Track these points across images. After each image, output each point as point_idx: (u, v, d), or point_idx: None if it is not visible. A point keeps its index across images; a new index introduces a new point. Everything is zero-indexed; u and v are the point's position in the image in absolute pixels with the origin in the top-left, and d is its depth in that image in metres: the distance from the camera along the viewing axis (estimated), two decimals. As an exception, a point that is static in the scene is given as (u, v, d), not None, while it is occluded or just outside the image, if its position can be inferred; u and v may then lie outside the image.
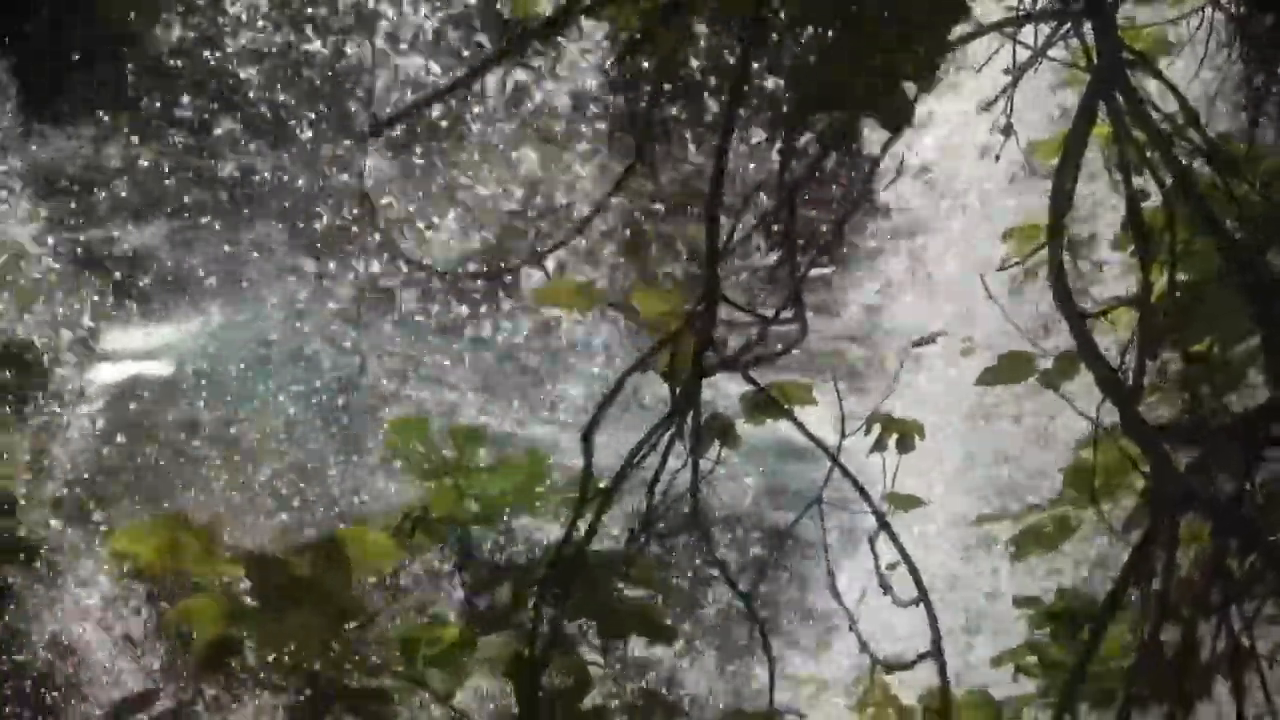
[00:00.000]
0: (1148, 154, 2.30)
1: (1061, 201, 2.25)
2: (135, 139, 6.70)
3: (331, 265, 6.80)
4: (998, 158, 3.09)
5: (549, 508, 2.56)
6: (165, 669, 5.88)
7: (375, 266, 6.72)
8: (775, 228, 2.34)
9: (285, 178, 6.74)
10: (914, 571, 2.20)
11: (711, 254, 2.17)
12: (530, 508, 2.58)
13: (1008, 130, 2.87)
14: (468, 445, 2.51)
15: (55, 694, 5.77)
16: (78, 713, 5.75)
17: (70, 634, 5.92)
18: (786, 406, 2.54)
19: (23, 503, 5.95)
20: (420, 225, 6.71)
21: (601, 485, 2.31)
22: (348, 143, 6.55)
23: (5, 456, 6.00)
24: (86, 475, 6.30)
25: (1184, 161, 2.39)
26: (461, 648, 2.40)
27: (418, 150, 6.67)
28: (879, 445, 2.73)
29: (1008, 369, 2.85)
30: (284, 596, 2.21)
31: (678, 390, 2.34)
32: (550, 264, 2.66)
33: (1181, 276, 2.40)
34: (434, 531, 2.52)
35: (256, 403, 6.73)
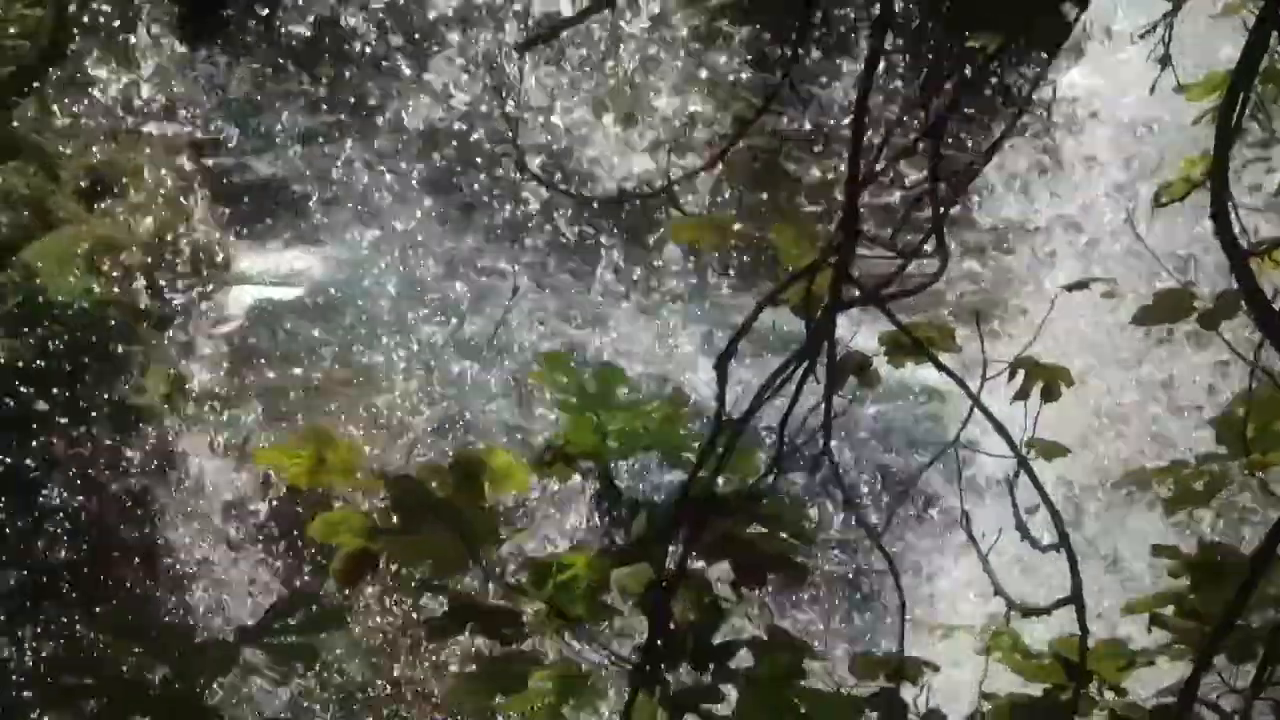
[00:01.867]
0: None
1: (1227, 135, 2.14)
2: (275, 65, 6.82)
3: (469, 192, 6.87)
4: (1152, 89, 2.96)
5: (687, 448, 2.56)
6: (291, 574, 6.12)
7: (514, 194, 6.76)
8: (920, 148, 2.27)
9: (424, 104, 6.80)
10: (1055, 516, 2.15)
11: (852, 182, 2.12)
12: (668, 448, 2.59)
13: (1165, 60, 2.75)
14: (610, 382, 2.53)
15: (190, 598, 6.05)
16: (213, 617, 6.02)
17: (204, 544, 6.19)
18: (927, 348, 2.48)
19: (166, 421, 6.21)
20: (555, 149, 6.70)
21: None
22: (490, 64, 6.56)
23: (150, 376, 6.25)
24: (221, 394, 6.53)
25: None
26: (594, 577, 2.43)
27: (555, 72, 6.64)
28: (1022, 392, 2.66)
29: (1165, 308, 2.74)
30: (420, 514, 2.26)
31: (812, 325, 2.30)
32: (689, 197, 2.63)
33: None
34: (572, 464, 2.55)
35: (382, 328, 6.88)
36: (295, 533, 6.18)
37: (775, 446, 2.45)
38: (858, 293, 2.18)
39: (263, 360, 6.70)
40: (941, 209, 2.25)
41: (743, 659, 2.53)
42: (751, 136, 5.92)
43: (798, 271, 2.21)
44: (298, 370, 6.72)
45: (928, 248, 2.32)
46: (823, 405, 2.37)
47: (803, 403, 2.33)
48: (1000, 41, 2.19)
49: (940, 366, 2.35)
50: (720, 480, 2.41)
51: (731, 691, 2.51)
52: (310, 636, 2.29)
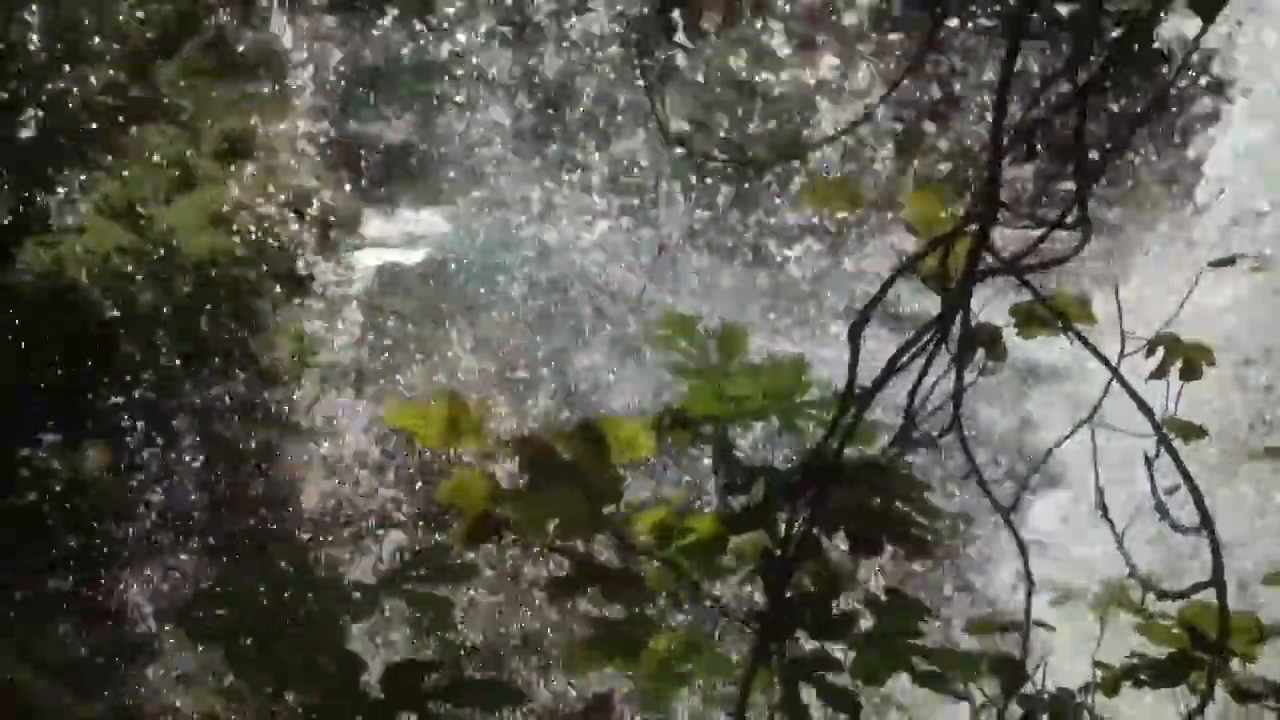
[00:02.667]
0: None
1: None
2: (404, 28, 6.91)
3: (602, 155, 6.88)
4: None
5: (806, 416, 2.54)
6: (422, 529, 6.26)
7: (642, 159, 6.75)
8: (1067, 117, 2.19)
9: (557, 66, 6.82)
10: (1197, 495, 2.08)
11: (995, 150, 2.07)
12: (786, 415, 2.57)
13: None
14: (731, 347, 2.51)
15: (317, 544, 6.23)
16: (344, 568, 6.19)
17: (333, 497, 6.37)
18: (1063, 322, 2.42)
19: (295, 378, 6.40)
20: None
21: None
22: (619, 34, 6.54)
23: (279, 334, 6.44)
24: (348, 355, 6.69)
25: None
26: (714, 542, 2.43)
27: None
28: (1161, 371, 2.58)
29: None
30: (547, 476, 2.28)
31: (946, 294, 2.25)
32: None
33: None
34: (691, 428, 2.55)
35: (507, 289, 6.96)
36: (419, 487, 6.33)
37: (902, 418, 2.41)
38: (996, 264, 2.12)
39: (389, 321, 6.84)
40: (1086, 176, 2.17)
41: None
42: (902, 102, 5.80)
43: (935, 240, 2.16)
44: (424, 331, 6.85)
45: (1069, 219, 2.25)
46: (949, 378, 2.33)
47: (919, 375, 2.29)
48: (1152, 3, 2.11)
49: (1081, 340, 2.28)
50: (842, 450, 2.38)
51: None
52: (445, 588, 2.34)
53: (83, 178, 6.15)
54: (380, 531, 6.29)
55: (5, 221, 6.11)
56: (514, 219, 7.09)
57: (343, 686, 2.15)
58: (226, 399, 6.26)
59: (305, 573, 2.35)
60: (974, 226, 2.11)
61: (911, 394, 2.36)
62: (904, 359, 2.19)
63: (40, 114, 6.07)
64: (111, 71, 6.12)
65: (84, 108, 6.12)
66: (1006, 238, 2.33)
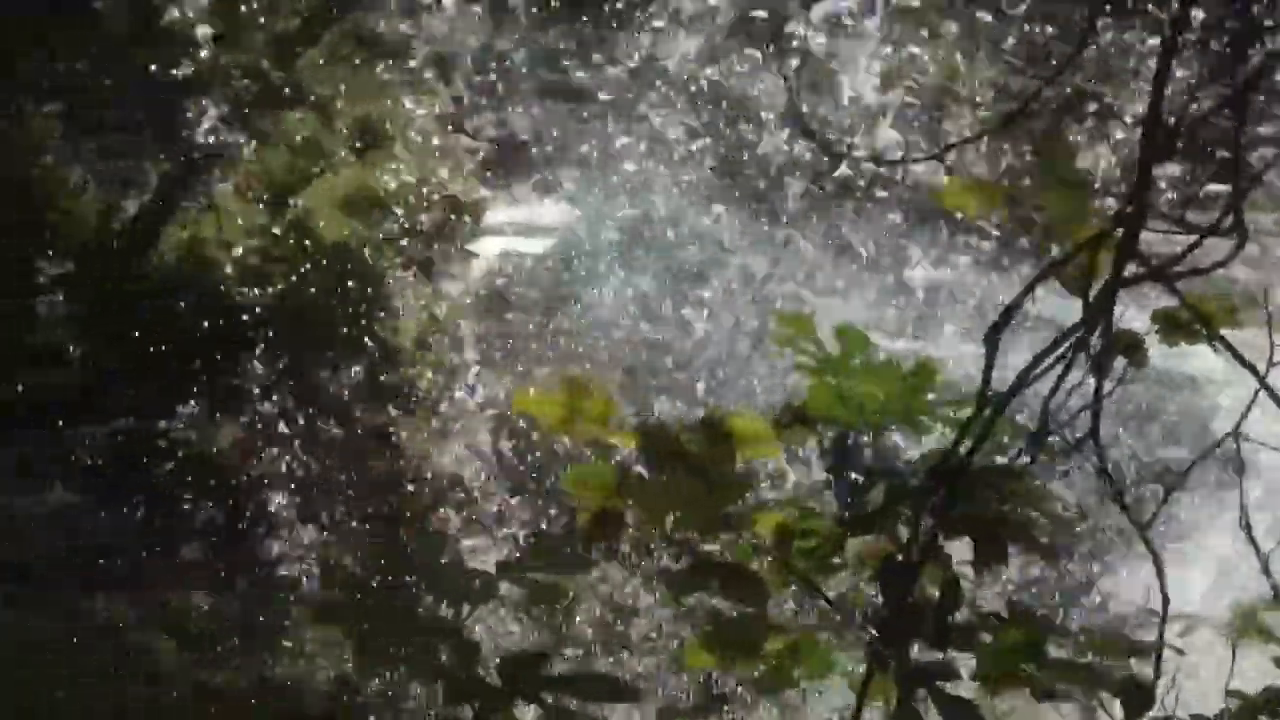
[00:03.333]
0: None
1: None
2: (533, 23, 6.97)
3: (725, 149, 6.85)
4: None
5: (929, 421, 2.47)
6: (540, 514, 6.32)
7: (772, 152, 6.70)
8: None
9: (681, 60, 6.82)
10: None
11: (1147, 151, 1.99)
12: (910, 418, 2.50)
13: None
14: (852, 346, 2.45)
15: (438, 520, 6.34)
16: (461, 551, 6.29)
17: (453, 479, 6.47)
18: (1206, 330, 2.32)
19: (419, 361, 6.52)
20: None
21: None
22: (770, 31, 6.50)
23: (405, 317, 6.57)
24: (470, 339, 6.79)
25: None
26: (832, 543, 2.39)
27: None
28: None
29: None
30: (668, 468, 2.27)
31: (1089, 301, 2.18)
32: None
33: None
34: (810, 426, 2.50)
35: (623, 280, 6.98)
36: (533, 473, 6.38)
37: (1037, 425, 2.34)
38: (1144, 269, 2.04)
39: (511, 307, 6.92)
40: (1244, 180, 2.08)
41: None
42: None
43: (1080, 243, 2.09)
44: (544, 318, 6.91)
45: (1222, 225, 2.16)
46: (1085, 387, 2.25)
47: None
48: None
49: (1228, 347, 2.18)
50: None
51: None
52: (561, 577, 2.34)
53: (223, 161, 6.35)
54: (496, 515, 6.36)
55: (156, 202, 6.34)
56: (636, 209, 7.11)
57: (461, 673, 2.17)
58: (352, 379, 6.40)
59: (429, 558, 2.37)
60: (1121, 230, 2.03)
61: (1046, 401, 2.28)
62: (1042, 364, 2.12)
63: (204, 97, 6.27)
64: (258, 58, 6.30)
65: (230, 91, 6.31)
66: (1144, 240, 2.24)
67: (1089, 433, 2.29)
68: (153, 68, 6.23)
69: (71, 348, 6.22)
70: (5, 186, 6.15)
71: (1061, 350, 2.13)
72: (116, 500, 5.95)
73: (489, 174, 7.16)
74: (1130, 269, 2.08)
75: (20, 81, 6.16)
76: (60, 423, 6.09)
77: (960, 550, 2.46)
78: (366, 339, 6.46)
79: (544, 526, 6.21)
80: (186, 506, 6.04)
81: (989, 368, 2.10)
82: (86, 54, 6.26)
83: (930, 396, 2.45)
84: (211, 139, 6.32)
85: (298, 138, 6.43)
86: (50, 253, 6.27)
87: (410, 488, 6.30)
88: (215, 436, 6.21)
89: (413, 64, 6.87)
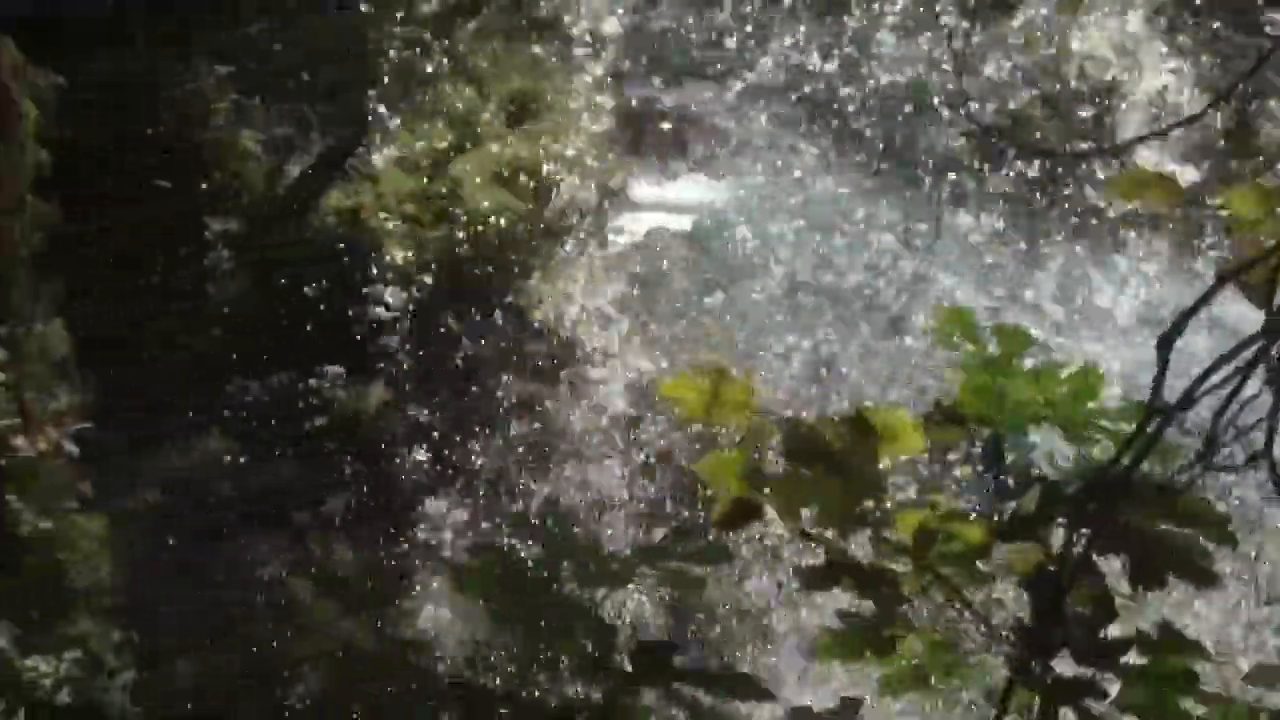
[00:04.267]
0: None
1: None
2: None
3: (874, 134, 6.72)
4: None
5: (1094, 427, 2.35)
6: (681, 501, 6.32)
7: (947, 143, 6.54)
8: None
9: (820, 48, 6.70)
10: None
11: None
12: (1070, 425, 2.38)
13: None
14: (1012, 346, 2.35)
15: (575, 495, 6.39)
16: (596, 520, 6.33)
17: (584, 450, 6.51)
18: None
19: (558, 334, 6.57)
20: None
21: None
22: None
23: (548, 289, 6.62)
24: (611, 315, 6.81)
25: None
26: (979, 549, 2.29)
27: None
28: None
29: None
30: (808, 462, 2.21)
31: (1274, 311, 2.03)
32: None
33: None
34: (963, 426, 2.41)
35: (766, 263, 6.90)
36: (672, 456, 6.37)
37: (1204, 440, 2.20)
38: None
39: (653, 284, 6.92)
40: None
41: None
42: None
43: (1269, 248, 1.94)
44: (686, 297, 6.88)
45: None
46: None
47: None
48: None
49: None
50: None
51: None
52: (698, 567, 2.31)
53: (380, 131, 6.48)
54: (632, 498, 6.38)
55: (315, 168, 6.52)
56: (783, 191, 7.02)
57: (595, 653, 2.16)
58: (495, 348, 6.49)
59: (569, 539, 2.36)
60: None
61: (1218, 413, 2.14)
62: (1217, 375, 1.99)
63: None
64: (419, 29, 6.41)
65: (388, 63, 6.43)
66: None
67: (1262, 450, 2.14)
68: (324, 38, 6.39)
69: (230, 306, 6.45)
70: (180, 149, 6.39)
71: (1239, 361, 1.99)
72: (269, 452, 6.16)
73: (638, 150, 7.16)
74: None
75: (195, 48, 6.38)
76: (220, 376, 6.33)
77: (1109, 565, 2.35)
78: (509, 308, 6.53)
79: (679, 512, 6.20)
80: (332, 461, 6.21)
81: (1160, 376, 1.98)
82: (265, 19, 6.46)
83: (1091, 405, 2.34)
84: (374, 109, 6.46)
85: (453, 108, 6.52)
86: (218, 213, 6.51)
87: (545, 458, 6.35)
88: (363, 396, 6.37)
89: (570, 37, 6.90)
